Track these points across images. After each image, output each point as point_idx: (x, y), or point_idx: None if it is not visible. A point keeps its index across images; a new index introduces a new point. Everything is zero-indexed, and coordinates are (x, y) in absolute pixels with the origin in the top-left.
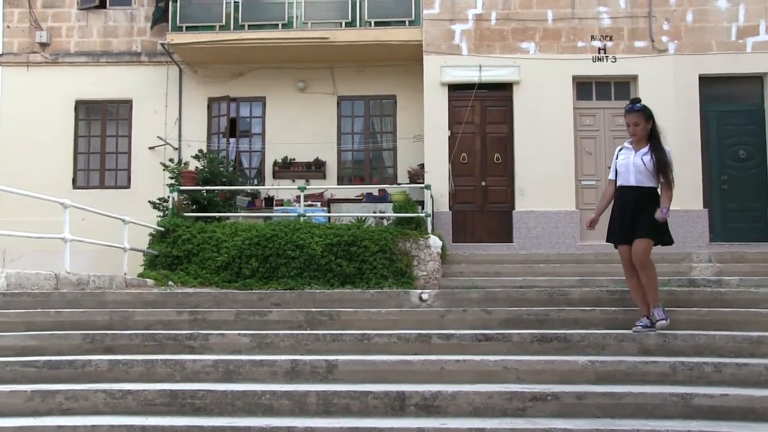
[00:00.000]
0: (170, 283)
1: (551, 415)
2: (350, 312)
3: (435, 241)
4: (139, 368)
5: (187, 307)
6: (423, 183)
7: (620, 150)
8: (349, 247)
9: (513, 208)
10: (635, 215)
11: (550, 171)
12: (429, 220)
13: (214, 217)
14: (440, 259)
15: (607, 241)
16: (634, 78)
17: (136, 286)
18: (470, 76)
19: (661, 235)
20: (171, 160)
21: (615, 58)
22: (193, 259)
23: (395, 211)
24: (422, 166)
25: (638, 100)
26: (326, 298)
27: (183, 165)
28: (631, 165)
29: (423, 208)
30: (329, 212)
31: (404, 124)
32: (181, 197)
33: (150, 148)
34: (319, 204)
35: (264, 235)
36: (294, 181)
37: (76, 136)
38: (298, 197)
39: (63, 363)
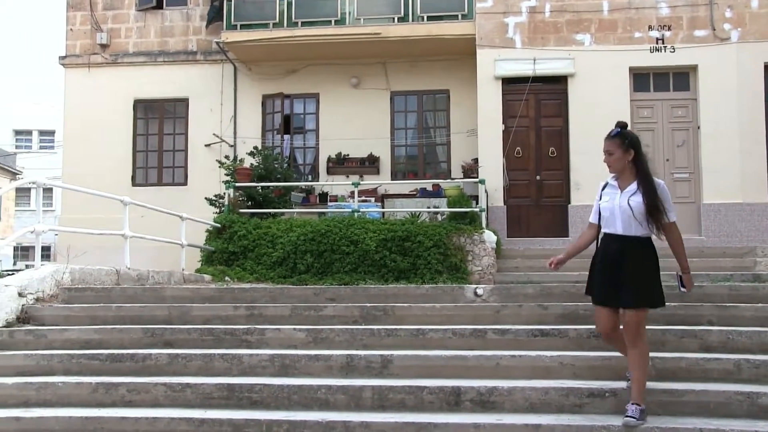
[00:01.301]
0: (227, 278)
1: (609, 412)
2: (405, 307)
3: (489, 236)
4: (198, 362)
5: (243, 303)
6: (477, 177)
7: (604, 188)
8: (403, 242)
9: (568, 202)
10: (623, 274)
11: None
12: (483, 215)
13: (270, 213)
14: (495, 254)
15: (586, 293)
16: (694, 68)
17: (193, 282)
18: (524, 69)
19: (655, 297)
20: (227, 157)
21: (674, 48)
22: (249, 255)
23: (449, 206)
24: (476, 160)
25: (620, 125)
26: (381, 294)
27: (238, 162)
28: (616, 209)
29: (477, 203)
30: (383, 208)
31: (458, 119)
32: (237, 194)
33: (206, 145)
34: (372, 199)
35: (318, 230)
36: (348, 176)
37: (135, 135)
38: (352, 193)
39: (125, 356)
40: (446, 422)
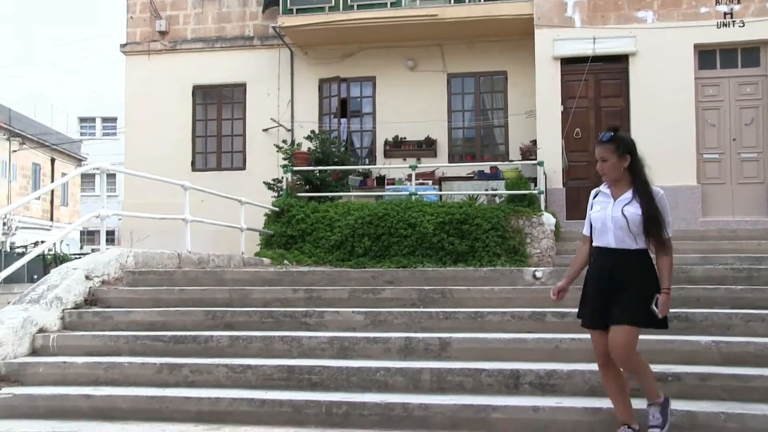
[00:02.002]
0: (285, 261)
1: (672, 397)
2: (463, 290)
3: (548, 219)
4: (258, 344)
5: (302, 285)
6: (535, 159)
7: (595, 196)
8: (461, 225)
9: None
10: (615, 290)
11: (669, 145)
12: (542, 197)
13: (327, 196)
14: (554, 237)
15: (578, 316)
16: (765, 43)
17: (253, 265)
18: (583, 49)
19: (652, 316)
20: (284, 141)
21: (743, 23)
22: (307, 239)
23: (507, 189)
24: (534, 142)
25: (612, 128)
26: (439, 276)
27: (296, 146)
28: (608, 219)
29: (536, 185)
30: (440, 190)
31: (515, 100)
32: (295, 178)
33: (264, 130)
34: (430, 182)
35: (376, 214)
36: (405, 159)
37: (194, 120)
38: (410, 176)
39: (187, 338)
40: (505, 405)
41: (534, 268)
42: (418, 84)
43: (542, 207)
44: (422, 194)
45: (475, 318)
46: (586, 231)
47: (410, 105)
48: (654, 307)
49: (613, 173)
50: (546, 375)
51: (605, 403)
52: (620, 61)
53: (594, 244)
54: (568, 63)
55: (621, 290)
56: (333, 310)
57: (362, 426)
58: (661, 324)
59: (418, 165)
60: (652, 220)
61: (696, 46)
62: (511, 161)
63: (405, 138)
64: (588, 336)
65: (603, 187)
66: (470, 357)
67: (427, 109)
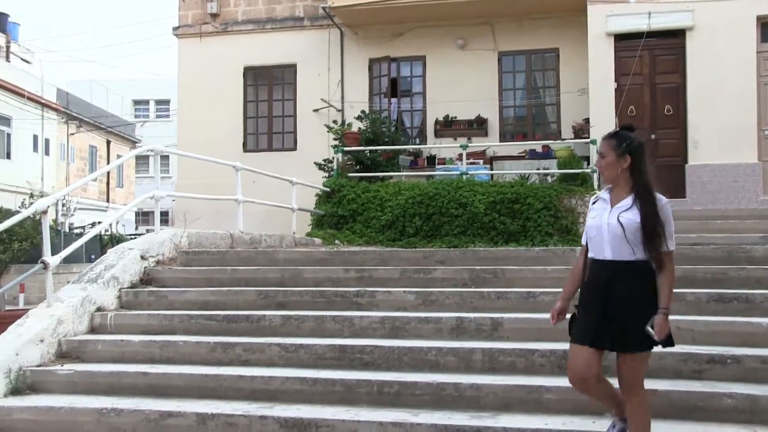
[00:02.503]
0: (337, 241)
1: (731, 379)
2: (515, 270)
3: None
4: (310, 323)
5: (353, 265)
6: (588, 138)
7: (594, 202)
8: (512, 204)
9: (686, 162)
10: (616, 309)
11: (729, 121)
12: (595, 175)
13: (378, 176)
14: None
15: (570, 333)
16: None
17: (304, 245)
18: (638, 24)
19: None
20: (335, 121)
21: None
22: (358, 219)
23: (559, 168)
24: (587, 120)
25: (626, 126)
26: (490, 256)
27: (346, 126)
28: (604, 227)
29: (588, 164)
30: (492, 170)
31: (568, 78)
32: (345, 158)
33: (314, 110)
34: (481, 162)
35: (427, 193)
36: (456, 139)
37: (245, 102)
38: (460, 155)
39: (240, 317)
40: (557, 386)
41: None
42: (468, 63)
43: (595, 186)
44: (473, 174)
45: (528, 298)
46: (584, 239)
47: (460, 84)
48: (649, 328)
49: (609, 172)
50: None
51: (661, 385)
52: (676, 36)
53: (590, 255)
54: (622, 39)
55: (621, 308)
56: (384, 290)
57: (414, 405)
58: (668, 343)
59: (469, 144)
60: (652, 228)
61: (759, 18)
62: (563, 140)
63: (455, 117)
64: None
65: (603, 193)
66: (522, 337)
67: (477, 88)
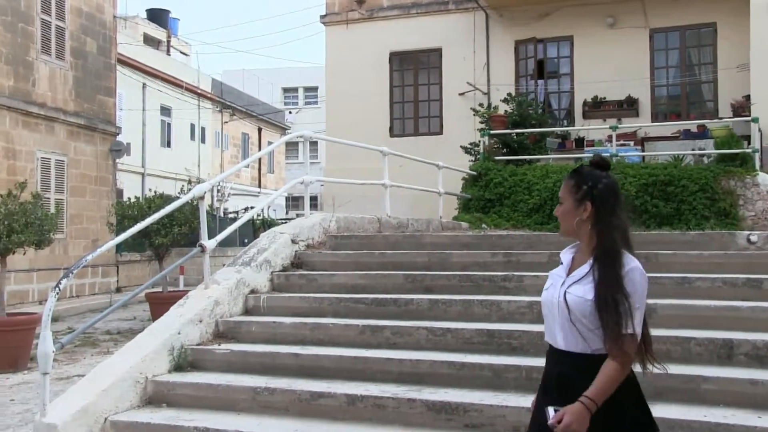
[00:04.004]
0: (483, 225)
1: None
2: (668, 254)
3: (764, 179)
4: (457, 308)
5: (500, 249)
6: (749, 116)
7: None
8: (665, 186)
9: None
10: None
11: None
12: (757, 155)
13: (525, 159)
14: None
15: None
16: None
17: (451, 229)
18: None
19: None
20: (480, 105)
21: None
22: (505, 202)
23: (717, 148)
24: (748, 97)
25: (594, 161)
26: (642, 240)
27: (492, 109)
28: (555, 304)
29: (749, 143)
30: (643, 151)
31: (725, 54)
32: (492, 141)
33: (460, 94)
34: (631, 143)
35: None
36: (605, 120)
37: (391, 87)
38: (610, 137)
39: (388, 301)
40: (717, 376)
41: (748, 232)
42: (617, 41)
43: (757, 166)
44: (624, 155)
45: (682, 283)
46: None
47: (609, 64)
48: (550, 410)
49: (566, 224)
50: (764, 346)
51: None
52: None
53: (545, 337)
54: None
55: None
56: (532, 275)
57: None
58: None
59: (619, 125)
60: (604, 305)
61: None
62: (721, 118)
63: (604, 98)
64: None
65: (565, 252)
66: (677, 324)
67: (627, 67)
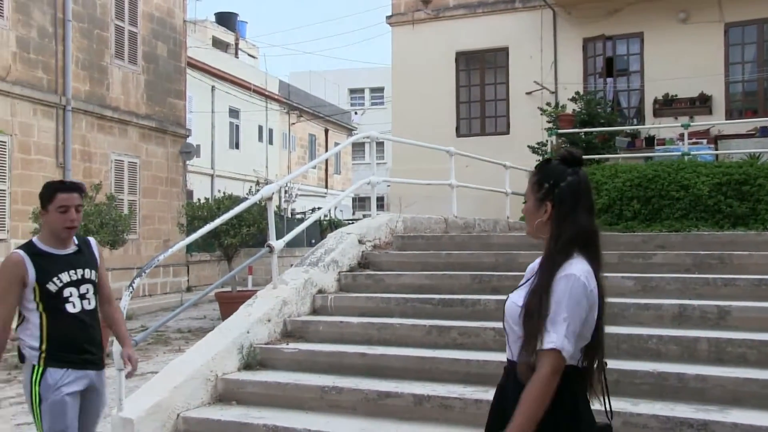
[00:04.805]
0: None
1: None
2: (744, 255)
3: None
4: None
5: None
6: None
7: None
8: (740, 186)
9: None
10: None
11: None
12: None
13: (594, 159)
14: None
15: None
16: None
17: (518, 229)
18: None
19: None
20: (548, 104)
21: None
22: None
23: None
24: None
25: (562, 156)
26: (715, 241)
27: (560, 108)
28: (505, 310)
29: None
30: (716, 150)
31: None
32: (560, 140)
33: (527, 93)
34: (704, 141)
35: (645, 176)
36: (676, 118)
37: (458, 87)
38: (682, 135)
39: (455, 301)
40: None
41: None
42: (689, 37)
43: None
44: (696, 154)
45: (759, 285)
46: None
47: (681, 60)
48: None
49: (528, 224)
50: None
51: None
52: None
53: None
54: None
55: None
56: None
57: (633, 395)
58: None
59: (691, 123)
60: (528, 313)
61: None
62: None
63: (676, 95)
64: None
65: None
66: (753, 327)
67: (700, 63)
